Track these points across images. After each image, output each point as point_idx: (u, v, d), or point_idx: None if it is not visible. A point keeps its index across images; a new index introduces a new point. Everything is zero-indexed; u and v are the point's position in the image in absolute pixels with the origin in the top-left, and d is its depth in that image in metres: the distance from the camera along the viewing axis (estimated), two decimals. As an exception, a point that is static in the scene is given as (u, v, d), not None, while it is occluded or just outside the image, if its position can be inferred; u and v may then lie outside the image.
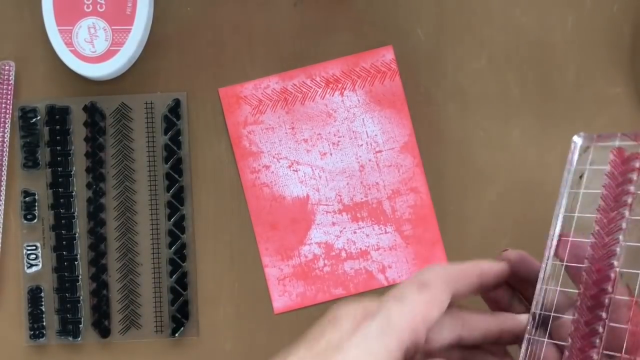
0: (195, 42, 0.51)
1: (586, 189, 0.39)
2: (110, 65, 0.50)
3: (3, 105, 0.51)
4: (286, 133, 0.50)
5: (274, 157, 0.50)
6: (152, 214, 0.51)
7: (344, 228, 0.50)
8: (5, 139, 0.51)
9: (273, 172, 0.50)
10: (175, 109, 0.51)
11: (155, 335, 0.51)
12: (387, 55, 0.50)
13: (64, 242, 0.51)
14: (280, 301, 0.50)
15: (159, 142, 0.51)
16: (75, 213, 0.51)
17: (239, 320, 0.51)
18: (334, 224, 0.50)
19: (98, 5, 0.49)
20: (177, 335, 0.51)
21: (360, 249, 0.50)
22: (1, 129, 0.51)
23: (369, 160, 0.50)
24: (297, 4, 0.51)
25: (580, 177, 0.40)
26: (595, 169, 0.39)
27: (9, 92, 0.51)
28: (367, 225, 0.50)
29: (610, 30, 0.50)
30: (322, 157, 0.50)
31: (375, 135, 0.50)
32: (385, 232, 0.50)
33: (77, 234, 0.51)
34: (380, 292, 0.49)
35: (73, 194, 0.51)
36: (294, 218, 0.50)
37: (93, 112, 0.51)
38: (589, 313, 0.36)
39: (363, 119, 0.50)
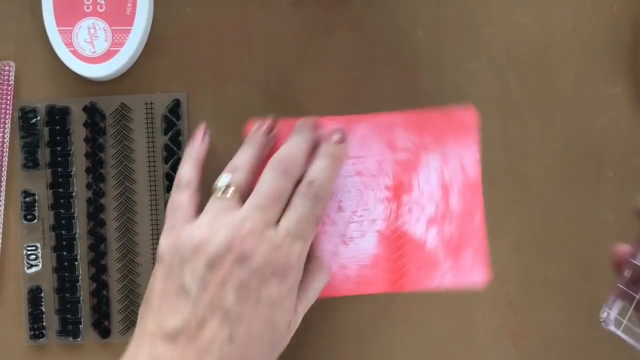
0: (195, 42, 0.51)
1: None
2: (110, 66, 0.50)
3: (3, 106, 0.51)
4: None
5: None
6: (152, 214, 0.51)
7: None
8: (5, 139, 0.51)
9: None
10: (175, 109, 0.51)
11: (156, 335, 0.51)
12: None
13: (64, 243, 0.51)
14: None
15: (159, 142, 0.51)
16: (75, 213, 0.51)
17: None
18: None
19: (98, 6, 0.49)
20: (177, 335, 0.51)
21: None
22: (1, 129, 0.51)
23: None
24: (297, 4, 0.51)
25: None
26: None
27: (9, 92, 0.51)
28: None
29: (610, 30, 0.50)
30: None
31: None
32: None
33: (77, 235, 0.51)
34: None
35: (73, 194, 0.51)
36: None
37: (93, 113, 0.51)
38: None
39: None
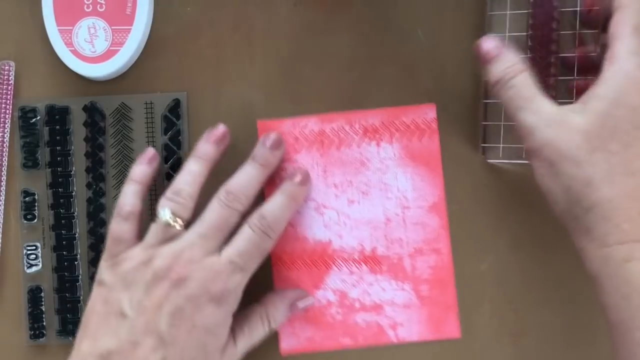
0: (195, 42, 0.51)
1: None
2: (110, 65, 0.50)
3: (3, 105, 0.51)
4: (317, 175, 0.49)
5: None
6: (152, 214, 0.51)
7: (361, 278, 0.49)
8: (5, 139, 0.51)
9: (299, 212, 0.50)
10: (175, 109, 0.51)
11: (155, 335, 0.51)
12: (429, 113, 0.49)
13: (64, 242, 0.51)
14: (288, 342, 0.50)
15: (159, 142, 0.51)
16: (75, 213, 0.51)
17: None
18: (351, 272, 0.49)
19: (98, 5, 0.49)
20: (177, 335, 0.51)
21: (375, 302, 0.49)
22: (1, 129, 0.51)
23: (396, 215, 0.49)
24: (297, 4, 0.51)
25: None
26: None
27: (9, 92, 0.51)
28: (384, 280, 0.49)
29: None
30: (350, 205, 0.49)
31: (406, 190, 0.49)
32: (402, 289, 0.49)
33: (77, 234, 0.51)
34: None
35: (73, 194, 0.51)
36: (313, 261, 0.50)
37: (93, 112, 0.51)
38: (541, 49, 0.46)
39: (396, 172, 0.49)
